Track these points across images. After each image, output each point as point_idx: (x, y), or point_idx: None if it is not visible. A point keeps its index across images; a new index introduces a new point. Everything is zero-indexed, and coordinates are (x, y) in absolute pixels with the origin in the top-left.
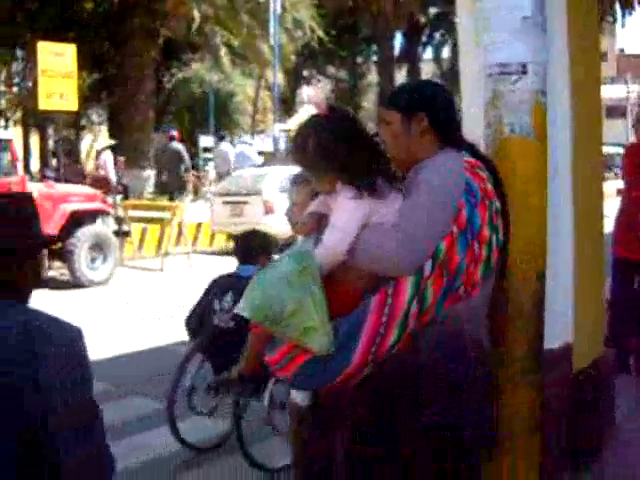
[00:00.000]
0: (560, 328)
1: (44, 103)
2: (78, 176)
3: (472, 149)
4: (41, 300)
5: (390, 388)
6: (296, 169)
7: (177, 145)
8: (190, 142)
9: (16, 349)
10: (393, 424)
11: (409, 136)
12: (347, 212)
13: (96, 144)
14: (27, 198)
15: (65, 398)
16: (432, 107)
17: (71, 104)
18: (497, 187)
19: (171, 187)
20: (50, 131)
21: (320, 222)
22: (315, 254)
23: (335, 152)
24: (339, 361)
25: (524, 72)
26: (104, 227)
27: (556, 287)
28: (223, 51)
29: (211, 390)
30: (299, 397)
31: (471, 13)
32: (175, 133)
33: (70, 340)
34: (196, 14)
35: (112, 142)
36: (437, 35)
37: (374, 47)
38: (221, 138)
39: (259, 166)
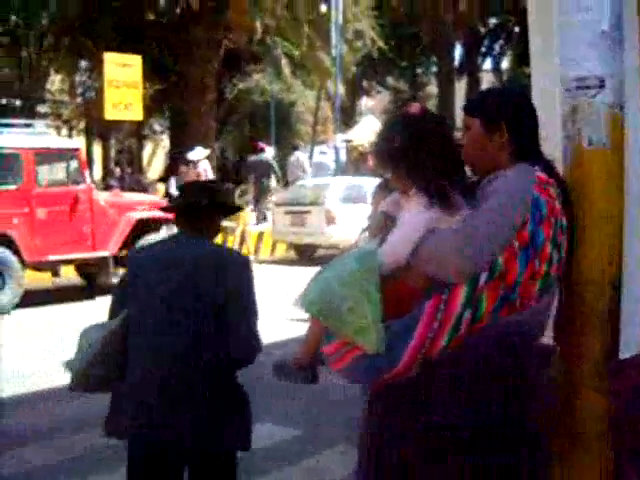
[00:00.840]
0: (633, 337)
1: (110, 113)
2: (140, 185)
3: (548, 165)
4: (105, 306)
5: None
6: (359, 180)
7: (267, 156)
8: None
9: (212, 261)
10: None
11: (488, 145)
12: (414, 218)
13: (191, 154)
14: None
15: (241, 291)
16: (514, 119)
17: (136, 114)
18: (566, 206)
19: (256, 197)
20: (112, 140)
21: (386, 223)
22: (378, 253)
23: (418, 152)
24: (388, 360)
25: (602, 86)
26: (168, 234)
27: (630, 296)
28: (284, 62)
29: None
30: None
31: (543, 27)
32: (264, 145)
33: (244, 259)
34: (258, 25)
35: (208, 152)
36: (496, 46)
37: (434, 58)
38: (295, 148)
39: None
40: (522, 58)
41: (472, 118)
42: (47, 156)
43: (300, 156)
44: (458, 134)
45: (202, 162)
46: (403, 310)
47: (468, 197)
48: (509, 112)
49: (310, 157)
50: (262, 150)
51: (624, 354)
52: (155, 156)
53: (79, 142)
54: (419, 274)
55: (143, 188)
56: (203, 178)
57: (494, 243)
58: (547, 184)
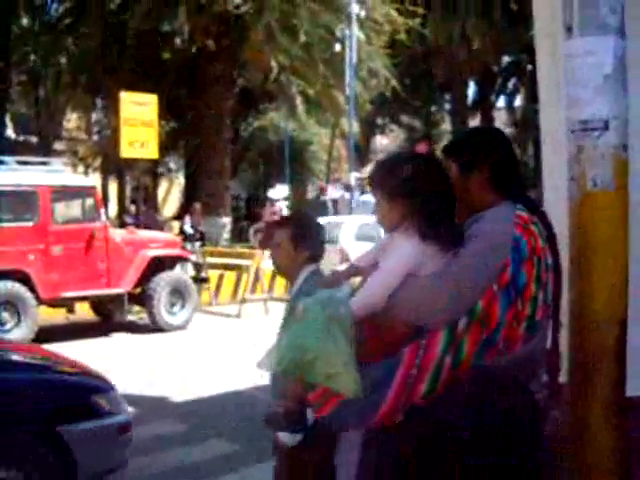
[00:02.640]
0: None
1: (126, 151)
2: (155, 222)
3: (530, 202)
4: (120, 342)
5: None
6: (372, 218)
7: (326, 198)
8: (265, 190)
9: None
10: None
11: (468, 186)
12: (398, 256)
13: (269, 193)
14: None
15: None
16: (491, 159)
17: (152, 152)
18: (550, 242)
19: None
20: (128, 178)
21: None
22: (351, 301)
23: (422, 187)
24: (369, 406)
25: (606, 128)
26: (183, 273)
27: (636, 333)
28: (299, 100)
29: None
30: (287, 437)
31: (551, 68)
32: (325, 185)
33: None
34: (273, 64)
35: (288, 193)
36: (510, 84)
37: (447, 96)
38: (347, 188)
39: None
40: (535, 96)
41: (450, 162)
42: (63, 193)
43: (346, 195)
44: None
45: (280, 202)
46: (388, 353)
47: (457, 237)
48: (487, 154)
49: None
50: (324, 190)
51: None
52: (170, 194)
53: (95, 180)
54: (399, 320)
55: (158, 226)
56: (277, 217)
57: (472, 289)
58: (528, 223)
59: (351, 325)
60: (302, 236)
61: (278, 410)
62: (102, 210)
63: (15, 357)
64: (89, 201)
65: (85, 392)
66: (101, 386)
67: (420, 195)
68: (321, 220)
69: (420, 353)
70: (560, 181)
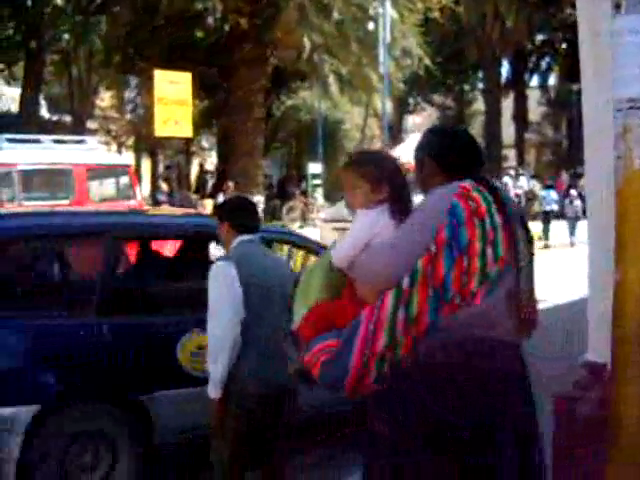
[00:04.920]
0: None
1: (160, 130)
2: (188, 201)
3: (478, 178)
4: None
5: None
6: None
7: None
8: (297, 169)
9: None
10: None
11: (421, 175)
12: (363, 224)
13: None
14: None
15: None
16: (436, 151)
17: (186, 130)
18: (502, 207)
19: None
20: (161, 156)
21: None
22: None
23: (399, 179)
24: (343, 361)
25: None
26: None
27: None
28: (331, 79)
29: None
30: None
31: (593, 47)
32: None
33: None
34: (306, 42)
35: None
36: (543, 62)
37: (480, 74)
38: None
39: None
40: (569, 74)
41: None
42: (98, 172)
43: None
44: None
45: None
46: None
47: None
48: (430, 147)
49: None
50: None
51: None
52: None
53: (129, 158)
54: (362, 285)
55: (192, 205)
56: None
57: (407, 253)
58: (470, 191)
59: (331, 267)
60: (379, 177)
61: (295, 368)
62: (137, 188)
63: None
64: (124, 179)
65: None
66: None
67: (397, 185)
68: None
69: (375, 311)
70: (603, 160)
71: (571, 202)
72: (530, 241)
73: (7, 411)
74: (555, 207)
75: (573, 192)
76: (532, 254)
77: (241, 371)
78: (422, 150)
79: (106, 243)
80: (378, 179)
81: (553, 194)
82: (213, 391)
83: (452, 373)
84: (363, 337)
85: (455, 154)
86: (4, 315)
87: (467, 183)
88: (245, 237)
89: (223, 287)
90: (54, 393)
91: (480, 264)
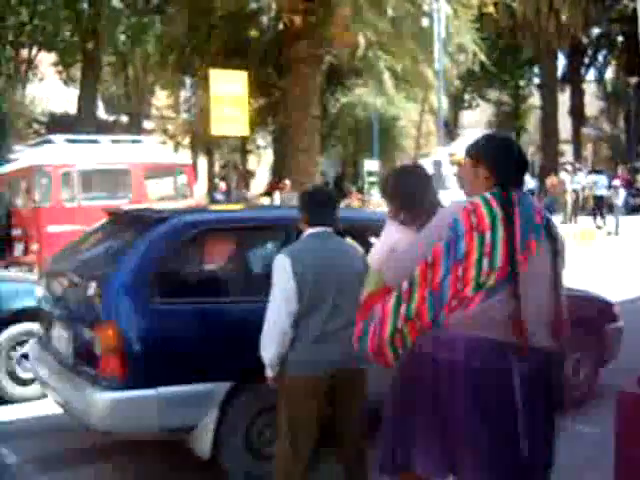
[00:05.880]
0: None
1: (216, 129)
2: (245, 199)
3: (506, 190)
4: None
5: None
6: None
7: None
8: (353, 166)
9: None
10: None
11: (474, 178)
12: (385, 238)
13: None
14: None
15: None
16: (492, 158)
17: (242, 129)
18: (509, 222)
19: None
20: (217, 155)
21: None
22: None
23: (413, 197)
24: (364, 339)
25: None
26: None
27: None
28: (386, 75)
29: None
30: None
31: None
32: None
33: None
34: (361, 40)
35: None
36: (600, 56)
37: (536, 69)
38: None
39: None
40: (626, 68)
41: (465, 158)
42: (155, 171)
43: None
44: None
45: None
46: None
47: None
48: (488, 155)
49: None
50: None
51: None
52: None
53: (186, 157)
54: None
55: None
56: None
57: (407, 262)
58: (479, 207)
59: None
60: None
61: None
62: (194, 187)
63: None
64: (181, 178)
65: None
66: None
67: (407, 201)
68: None
69: (384, 305)
70: None
71: (616, 192)
72: (556, 252)
73: (207, 386)
74: (605, 192)
75: (616, 182)
76: (557, 262)
77: (291, 359)
78: (478, 157)
79: (290, 234)
80: (400, 201)
81: (603, 179)
82: (270, 374)
83: (422, 362)
84: (374, 325)
85: (512, 170)
86: (221, 301)
87: (479, 199)
88: (314, 230)
89: (279, 279)
90: (245, 371)
91: (475, 273)
